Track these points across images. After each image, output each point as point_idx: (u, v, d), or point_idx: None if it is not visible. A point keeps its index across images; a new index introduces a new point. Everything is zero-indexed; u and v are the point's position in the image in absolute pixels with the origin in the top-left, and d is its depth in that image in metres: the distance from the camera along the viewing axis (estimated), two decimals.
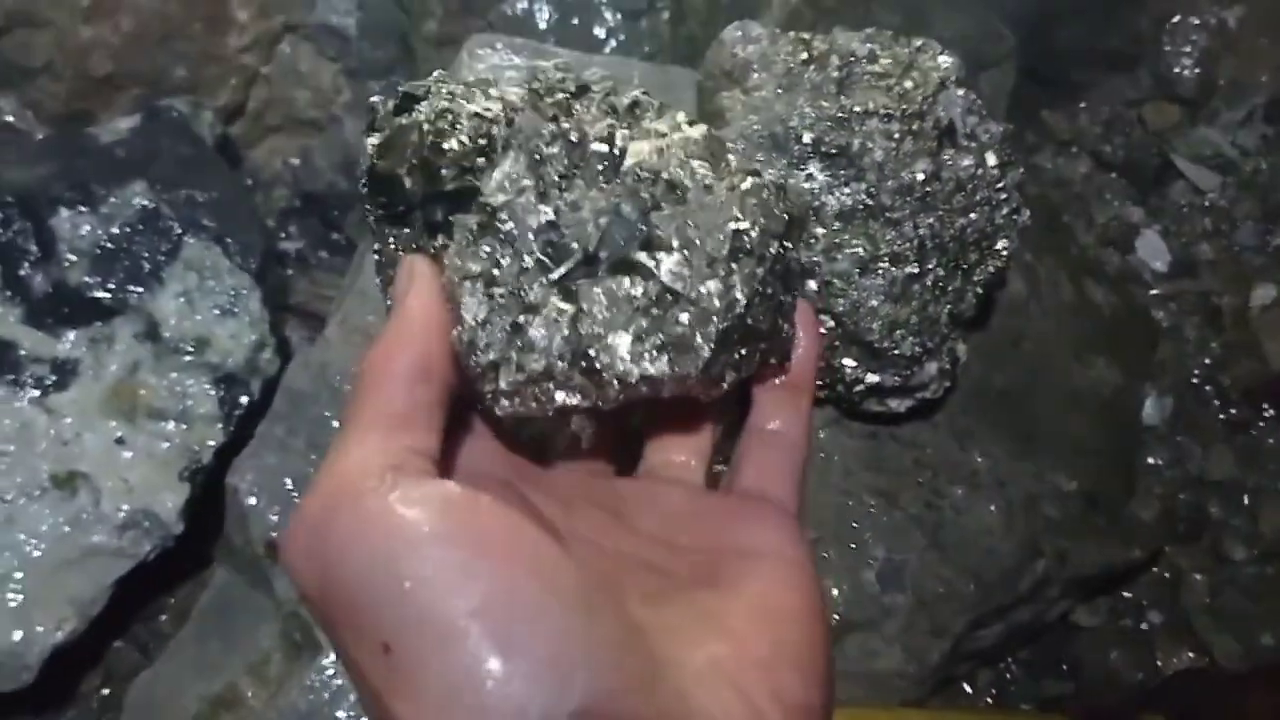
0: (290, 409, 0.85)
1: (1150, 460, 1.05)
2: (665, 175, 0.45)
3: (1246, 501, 1.05)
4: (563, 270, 0.43)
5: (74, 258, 0.96)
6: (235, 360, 0.95)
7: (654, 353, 0.43)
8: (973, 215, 0.77)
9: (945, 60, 0.78)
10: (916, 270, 0.76)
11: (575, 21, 1.16)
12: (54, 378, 0.92)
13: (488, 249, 0.43)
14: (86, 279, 0.95)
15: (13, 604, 0.87)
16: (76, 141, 1.02)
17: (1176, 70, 1.17)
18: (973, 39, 1.10)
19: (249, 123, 1.18)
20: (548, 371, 0.43)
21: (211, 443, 0.94)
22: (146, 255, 0.96)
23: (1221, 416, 1.08)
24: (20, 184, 0.97)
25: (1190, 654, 1.00)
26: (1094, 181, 1.19)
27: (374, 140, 0.46)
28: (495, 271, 0.43)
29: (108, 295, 0.95)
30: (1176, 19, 1.18)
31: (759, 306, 0.46)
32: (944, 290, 0.77)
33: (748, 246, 0.46)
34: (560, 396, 0.43)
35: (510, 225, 0.43)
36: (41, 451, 0.91)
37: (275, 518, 0.83)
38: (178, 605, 1.02)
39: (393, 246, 0.46)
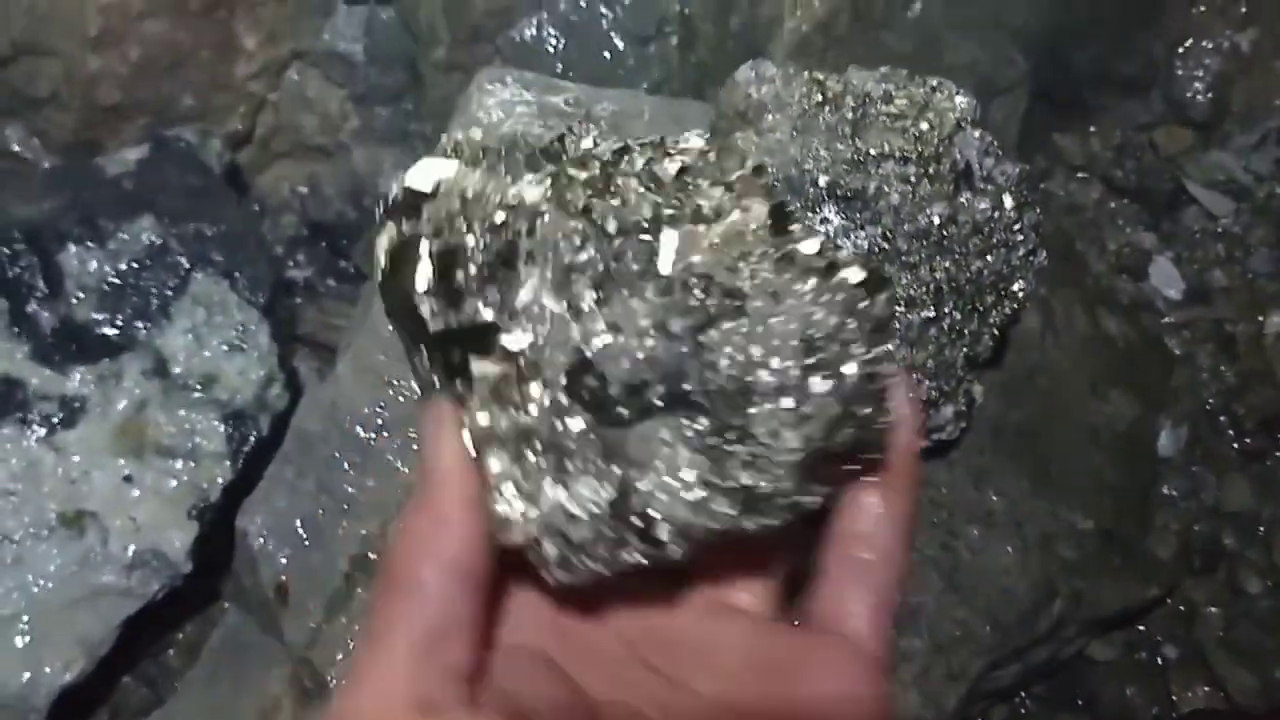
0: (300, 450, 0.84)
1: (1165, 491, 1.05)
2: (720, 280, 0.37)
3: (1262, 532, 1.04)
4: (602, 416, 0.37)
5: (81, 294, 0.95)
6: (244, 397, 0.95)
7: (717, 501, 0.37)
8: (989, 258, 0.76)
9: (961, 100, 0.77)
10: (933, 314, 0.75)
11: (584, 48, 1.15)
12: (61, 415, 0.92)
13: (513, 402, 0.37)
14: (94, 315, 0.95)
15: (20, 645, 0.87)
16: (84, 174, 1.01)
17: (1189, 94, 1.16)
18: (985, 65, 1.09)
19: (257, 149, 1.18)
20: (596, 537, 0.37)
21: (220, 480, 0.93)
22: (154, 291, 0.95)
23: (1236, 446, 1.07)
24: (27, 219, 0.96)
25: (1205, 688, 0.99)
26: (1106, 207, 1.18)
27: (384, 245, 0.40)
28: (523, 426, 0.37)
29: (116, 332, 0.94)
30: (1189, 43, 1.17)
31: (841, 428, 0.38)
32: (960, 334, 0.77)
33: (825, 363, 0.37)
34: (618, 557, 0.38)
35: (537, 370, 0.36)
36: (49, 490, 0.91)
37: (285, 561, 0.82)
38: (186, 641, 1.02)
39: (410, 354, 0.41)
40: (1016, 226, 0.77)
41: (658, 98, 0.95)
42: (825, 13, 1.08)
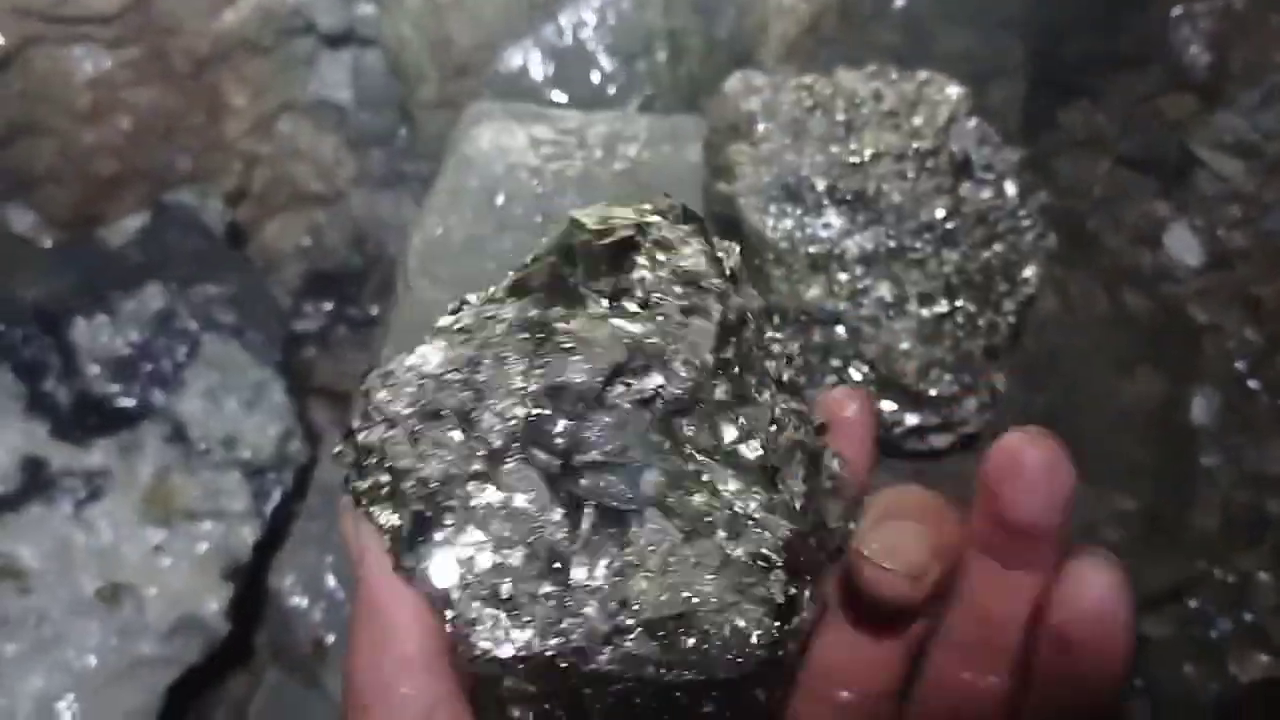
0: (324, 505, 0.84)
1: (1204, 461, 1.02)
2: None
3: None
4: None
5: (96, 367, 0.95)
6: (265, 454, 0.95)
7: None
8: (997, 246, 0.75)
9: (953, 91, 0.76)
10: (946, 309, 0.74)
11: (572, 71, 1.15)
12: (87, 490, 0.92)
13: None
14: (110, 387, 0.95)
15: None
16: (88, 248, 1.02)
17: (1187, 60, 1.15)
18: (978, 52, 1.08)
19: (255, 204, 1.18)
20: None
21: (249, 539, 0.93)
22: (167, 357, 0.96)
23: (1271, 410, 1.05)
24: (37, 298, 0.97)
25: (1264, 658, 0.97)
26: (1116, 180, 1.16)
27: None
28: None
29: (132, 401, 0.95)
30: (1182, 9, 1.15)
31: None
32: (975, 326, 0.75)
33: None
34: None
35: None
36: (82, 566, 0.91)
37: (319, 617, 0.82)
38: (231, 699, 1.01)
39: None
40: (1022, 212, 0.76)
41: (651, 116, 0.94)
42: (811, 14, 1.07)
